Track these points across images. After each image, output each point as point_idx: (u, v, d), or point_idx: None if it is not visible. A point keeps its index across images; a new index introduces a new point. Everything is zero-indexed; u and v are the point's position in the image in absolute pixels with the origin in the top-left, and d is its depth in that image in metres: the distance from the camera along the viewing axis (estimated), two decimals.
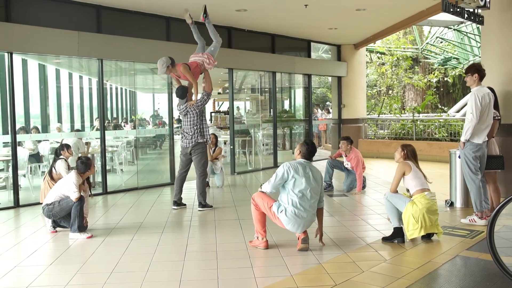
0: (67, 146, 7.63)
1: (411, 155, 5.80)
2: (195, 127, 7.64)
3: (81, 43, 8.85)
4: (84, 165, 6.32)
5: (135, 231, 6.42)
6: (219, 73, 15.00)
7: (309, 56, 14.41)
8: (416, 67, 23.82)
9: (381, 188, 9.44)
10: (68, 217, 6.23)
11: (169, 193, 9.60)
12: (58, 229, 6.45)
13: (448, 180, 7.71)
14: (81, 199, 6.11)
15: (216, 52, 7.98)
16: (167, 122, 20.92)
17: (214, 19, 10.97)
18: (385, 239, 5.69)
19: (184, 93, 7.65)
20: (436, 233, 5.66)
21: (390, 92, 22.40)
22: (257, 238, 5.54)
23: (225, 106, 25.60)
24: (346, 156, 9.17)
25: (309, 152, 5.51)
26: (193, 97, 7.73)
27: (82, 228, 6.17)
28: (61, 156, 7.47)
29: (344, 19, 11.53)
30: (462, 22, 19.40)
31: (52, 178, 7.43)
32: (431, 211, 5.53)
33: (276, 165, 13.16)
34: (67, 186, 6.17)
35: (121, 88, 21.15)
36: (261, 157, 13.47)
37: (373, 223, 6.66)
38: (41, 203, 7.55)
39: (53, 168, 7.44)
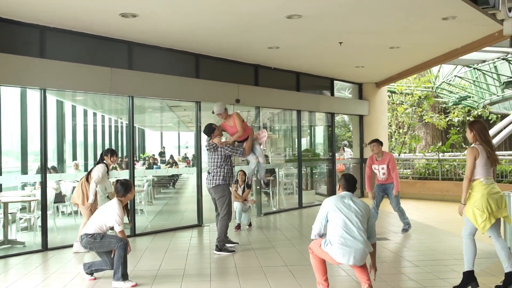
0: (112, 152, 7.58)
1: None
2: (219, 169, 7.41)
3: (113, 79, 8.60)
4: (124, 186, 5.89)
5: (180, 280, 5.97)
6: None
7: (332, 94, 14.20)
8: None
9: (424, 229, 9.07)
10: (106, 253, 5.84)
11: (197, 235, 9.16)
12: (95, 274, 6.02)
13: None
14: (125, 244, 5.70)
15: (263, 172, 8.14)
16: (176, 160, 20.64)
17: (243, 56, 10.82)
18: None
19: (210, 131, 7.51)
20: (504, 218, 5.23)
21: (401, 131, 22.11)
22: None
23: None
24: (377, 160, 8.79)
25: (349, 182, 5.14)
26: (223, 139, 7.62)
27: (126, 276, 5.74)
28: (104, 161, 7.52)
29: (374, 57, 11.32)
30: (484, 61, 19.31)
31: (88, 181, 7.46)
32: (492, 194, 5.10)
33: (301, 206, 12.73)
34: (110, 216, 5.76)
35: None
36: (284, 197, 13.07)
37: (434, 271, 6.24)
38: (78, 233, 7.17)
39: (91, 171, 7.44)
